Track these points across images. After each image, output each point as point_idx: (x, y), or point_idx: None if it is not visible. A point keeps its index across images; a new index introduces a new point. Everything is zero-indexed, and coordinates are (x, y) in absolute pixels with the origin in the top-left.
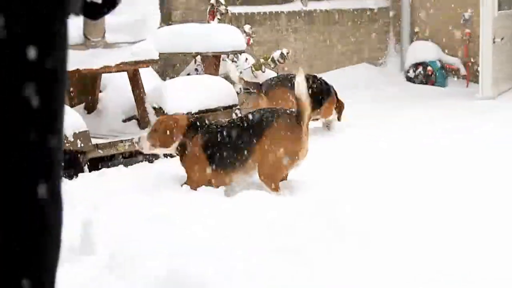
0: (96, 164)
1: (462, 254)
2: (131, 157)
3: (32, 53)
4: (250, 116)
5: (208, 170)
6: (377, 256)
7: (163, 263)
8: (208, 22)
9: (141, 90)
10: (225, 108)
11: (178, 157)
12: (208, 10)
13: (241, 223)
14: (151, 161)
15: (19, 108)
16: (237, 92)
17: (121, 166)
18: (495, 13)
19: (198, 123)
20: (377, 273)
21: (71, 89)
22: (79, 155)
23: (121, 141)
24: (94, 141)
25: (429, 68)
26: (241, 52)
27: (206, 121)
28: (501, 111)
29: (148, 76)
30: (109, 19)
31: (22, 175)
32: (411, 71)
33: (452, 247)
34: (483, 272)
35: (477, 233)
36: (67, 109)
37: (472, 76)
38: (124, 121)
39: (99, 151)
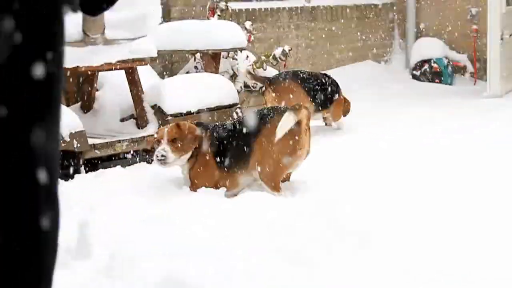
0: (93, 164)
1: (462, 254)
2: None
3: (30, 53)
4: (251, 116)
5: (218, 174)
6: (377, 256)
7: (162, 264)
8: (208, 19)
9: (139, 88)
10: (226, 107)
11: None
12: (208, 7)
13: (241, 224)
14: (149, 162)
15: (15, 108)
16: (237, 91)
17: (118, 166)
18: (503, 8)
19: (202, 127)
20: (377, 273)
21: (67, 87)
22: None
23: (119, 141)
24: (90, 141)
25: (435, 65)
26: (241, 49)
27: (208, 124)
28: (507, 110)
29: (146, 74)
30: (109, 15)
31: (18, 176)
32: (416, 68)
33: (452, 247)
34: (483, 272)
35: (477, 233)
36: (63, 108)
37: (480, 74)
38: (122, 120)
39: (96, 151)
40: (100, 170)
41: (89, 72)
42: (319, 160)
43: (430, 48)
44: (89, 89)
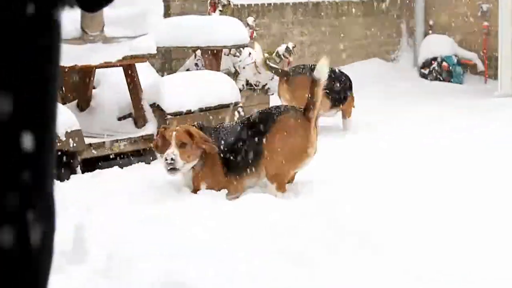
0: (89, 165)
1: (463, 254)
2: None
3: (25, 50)
4: (255, 115)
5: (225, 180)
6: (378, 256)
7: (161, 265)
8: (209, 14)
9: (138, 86)
10: (227, 105)
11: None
12: (209, 2)
13: (242, 225)
14: (148, 163)
15: (10, 107)
16: (239, 89)
17: (116, 167)
18: None
19: (207, 130)
20: (378, 273)
21: (63, 85)
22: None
23: (116, 141)
24: (87, 140)
25: (444, 63)
26: (244, 46)
27: (210, 127)
28: None
29: (145, 71)
30: (108, 12)
31: (12, 177)
32: (425, 66)
33: (452, 247)
34: (483, 272)
35: (478, 233)
36: (59, 106)
37: (491, 72)
38: (120, 119)
39: (93, 151)
40: (97, 171)
41: (86, 69)
42: (323, 160)
43: (439, 45)
44: (86, 86)
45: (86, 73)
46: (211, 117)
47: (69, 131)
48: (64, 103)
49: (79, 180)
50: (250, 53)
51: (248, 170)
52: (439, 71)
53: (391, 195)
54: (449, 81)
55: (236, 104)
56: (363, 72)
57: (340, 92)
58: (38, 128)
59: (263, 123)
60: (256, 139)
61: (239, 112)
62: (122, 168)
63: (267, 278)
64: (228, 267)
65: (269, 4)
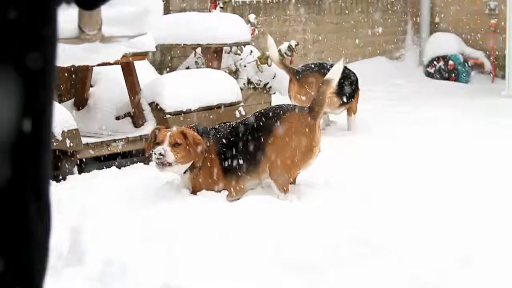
0: (86, 165)
1: (477, 263)
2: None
3: (21, 48)
4: (257, 115)
5: (224, 182)
6: (388, 265)
7: (159, 271)
8: (210, 11)
9: (136, 84)
10: (228, 105)
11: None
12: None
13: (244, 231)
14: (146, 163)
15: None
16: (241, 88)
17: (113, 167)
18: None
19: (203, 132)
20: (389, 282)
21: (60, 83)
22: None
23: (114, 140)
24: (84, 140)
25: (450, 62)
26: (245, 44)
27: (209, 128)
28: None
29: (143, 69)
30: (106, 10)
31: (4, 178)
32: (430, 65)
33: (465, 257)
34: (484, 272)
35: (481, 236)
36: (56, 105)
37: (498, 71)
38: (118, 118)
39: (90, 151)
40: (94, 171)
41: (83, 67)
42: (326, 161)
43: (446, 43)
44: (83, 84)
45: (83, 71)
46: (211, 117)
47: (65, 130)
48: (60, 102)
49: (76, 181)
50: (251, 51)
51: (249, 171)
52: (445, 70)
53: (400, 199)
54: (455, 81)
55: (237, 103)
56: (367, 70)
57: (348, 90)
58: (33, 125)
59: (266, 122)
60: (258, 139)
61: (240, 112)
62: (120, 168)
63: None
64: (228, 273)
65: (271, 1)
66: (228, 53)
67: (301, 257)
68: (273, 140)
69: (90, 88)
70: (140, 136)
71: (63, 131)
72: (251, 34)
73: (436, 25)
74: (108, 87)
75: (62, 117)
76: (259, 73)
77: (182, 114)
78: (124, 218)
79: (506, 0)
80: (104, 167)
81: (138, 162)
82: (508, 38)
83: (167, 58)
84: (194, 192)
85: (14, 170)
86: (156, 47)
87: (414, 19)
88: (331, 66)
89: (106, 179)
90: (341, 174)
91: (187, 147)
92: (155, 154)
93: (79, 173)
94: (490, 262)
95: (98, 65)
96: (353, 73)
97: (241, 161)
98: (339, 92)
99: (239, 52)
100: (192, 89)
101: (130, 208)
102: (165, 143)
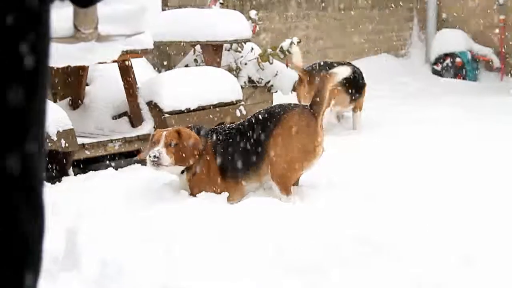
0: (82, 166)
1: (482, 266)
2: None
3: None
4: (258, 115)
5: (224, 185)
6: (395, 269)
7: (157, 274)
8: (209, 7)
9: (133, 83)
10: (228, 104)
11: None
12: None
13: (245, 234)
14: (144, 164)
15: None
16: (241, 86)
17: (110, 168)
18: None
19: (202, 132)
20: (393, 284)
21: (55, 81)
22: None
23: (111, 141)
24: (80, 140)
25: (458, 59)
26: (246, 41)
27: (208, 129)
28: None
29: (141, 67)
30: (103, 8)
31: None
32: (437, 63)
33: (471, 260)
34: (489, 272)
35: (485, 235)
36: (50, 104)
37: (507, 69)
38: (114, 118)
39: (86, 151)
40: (90, 172)
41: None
42: (329, 161)
43: (453, 40)
44: (79, 83)
45: (78, 69)
46: (211, 116)
47: (60, 130)
48: (55, 101)
49: (71, 182)
50: (252, 48)
51: (249, 173)
52: (452, 67)
53: (401, 198)
54: (463, 78)
55: (238, 102)
56: (371, 68)
57: (357, 87)
58: (26, 125)
59: (267, 122)
60: (259, 139)
61: (240, 111)
62: (117, 169)
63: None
64: (228, 273)
65: None
66: (228, 50)
67: (303, 258)
68: (274, 141)
69: (86, 87)
70: (138, 136)
71: (58, 131)
72: (252, 31)
73: (443, 21)
74: (104, 86)
75: (57, 116)
76: (260, 71)
77: (181, 114)
78: (121, 219)
79: None
80: (101, 168)
81: (136, 163)
82: None
83: (165, 56)
84: (192, 193)
85: (6, 170)
86: (154, 44)
87: (420, 15)
88: (338, 63)
89: (102, 180)
90: (345, 174)
91: (183, 147)
92: (149, 156)
93: (75, 174)
94: (493, 261)
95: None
96: (359, 69)
97: (240, 163)
98: (349, 89)
99: (239, 49)
100: (191, 88)
101: (128, 209)
102: (161, 144)
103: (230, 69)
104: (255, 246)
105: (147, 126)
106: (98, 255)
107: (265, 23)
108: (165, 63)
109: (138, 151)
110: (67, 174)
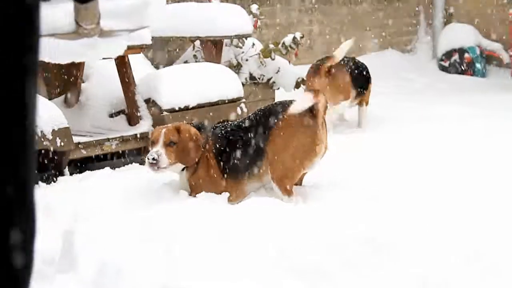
0: (78, 166)
1: (492, 268)
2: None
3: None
4: (257, 113)
5: (224, 184)
6: (401, 270)
7: (156, 277)
8: (209, 1)
9: (131, 80)
10: (229, 101)
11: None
12: None
13: (246, 235)
14: (142, 163)
15: None
16: (242, 83)
17: (107, 168)
18: None
19: (202, 129)
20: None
21: (49, 78)
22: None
23: (108, 140)
24: (76, 139)
25: (466, 55)
26: (247, 36)
27: (208, 126)
28: None
29: (139, 63)
30: (105, 3)
31: None
32: (445, 58)
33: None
34: (496, 270)
35: (490, 233)
36: (45, 102)
37: None
38: (111, 116)
39: (82, 150)
40: (87, 172)
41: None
42: (333, 160)
43: (461, 35)
44: (74, 80)
45: (74, 65)
46: (211, 114)
47: (56, 129)
48: (50, 99)
49: (67, 182)
50: (253, 44)
51: (250, 173)
52: (460, 63)
53: (405, 197)
54: (471, 75)
55: (238, 99)
56: (376, 64)
57: (363, 81)
58: (15, 123)
59: (267, 120)
60: (259, 138)
61: (241, 108)
62: (114, 169)
63: None
64: (228, 273)
65: None
66: (229, 46)
67: (305, 258)
68: (273, 140)
69: (82, 84)
70: (135, 134)
71: (53, 130)
72: (254, 26)
73: (451, 16)
74: (100, 83)
75: (52, 114)
76: (262, 67)
77: (180, 111)
78: (119, 219)
79: None
80: (97, 168)
81: (134, 162)
82: None
83: (164, 52)
84: (192, 193)
85: None
86: (153, 39)
87: (427, 9)
88: (344, 58)
89: (99, 180)
90: (348, 173)
91: (184, 145)
92: (148, 158)
93: (71, 174)
94: (499, 260)
95: None
96: (365, 64)
97: (241, 162)
98: (355, 82)
99: (240, 45)
100: (190, 85)
101: (126, 209)
102: (159, 143)
103: (230, 65)
104: (255, 246)
105: (145, 124)
106: (96, 256)
107: (266, 18)
108: (163, 59)
109: (137, 150)
110: (62, 174)
